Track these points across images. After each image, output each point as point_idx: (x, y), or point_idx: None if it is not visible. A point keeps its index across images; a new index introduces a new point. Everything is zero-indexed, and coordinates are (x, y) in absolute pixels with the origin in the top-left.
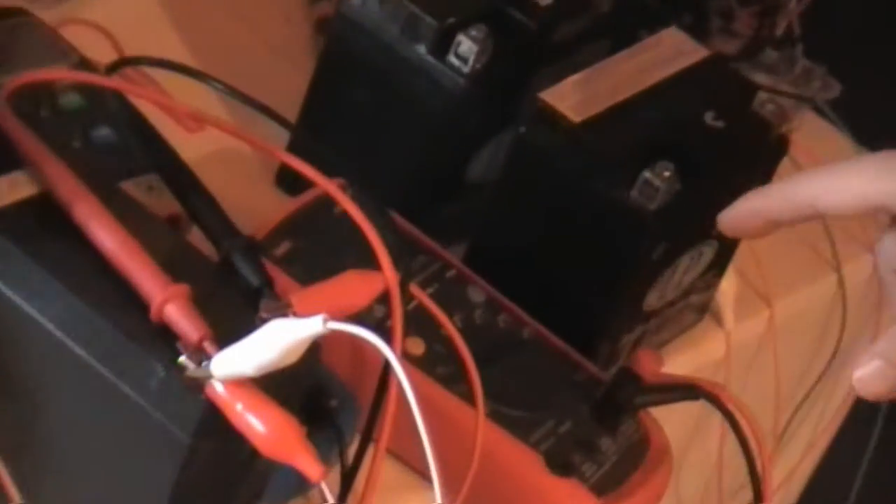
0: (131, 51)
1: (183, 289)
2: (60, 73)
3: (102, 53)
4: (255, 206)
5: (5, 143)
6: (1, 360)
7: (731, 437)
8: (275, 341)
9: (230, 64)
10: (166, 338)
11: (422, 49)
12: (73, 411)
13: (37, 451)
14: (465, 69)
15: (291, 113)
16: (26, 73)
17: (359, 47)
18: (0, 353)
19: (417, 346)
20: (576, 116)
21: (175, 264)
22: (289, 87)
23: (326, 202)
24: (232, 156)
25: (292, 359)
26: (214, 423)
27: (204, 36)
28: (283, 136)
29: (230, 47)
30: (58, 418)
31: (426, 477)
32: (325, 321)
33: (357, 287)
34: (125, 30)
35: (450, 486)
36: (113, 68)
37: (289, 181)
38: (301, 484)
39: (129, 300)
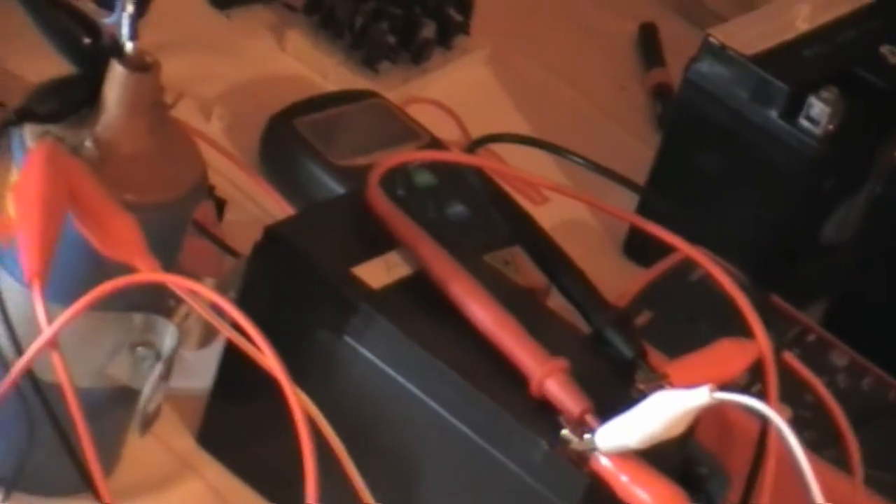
0: (470, 123)
1: (562, 363)
2: (426, 154)
3: (443, 128)
4: (605, 275)
5: (380, 225)
6: (384, 435)
7: None
8: (660, 413)
9: (568, 132)
10: (546, 412)
11: (772, 113)
12: (451, 482)
13: None
14: (818, 131)
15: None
16: (394, 155)
17: (707, 112)
18: (383, 428)
19: (784, 412)
20: None
21: (547, 337)
22: (628, 154)
23: (682, 269)
24: (577, 226)
25: (677, 431)
26: (599, 495)
27: (540, 106)
28: (629, 204)
29: (567, 116)
30: (435, 488)
31: None
32: (711, 392)
33: (732, 356)
34: (464, 104)
35: None
36: (473, 147)
37: (638, 249)
38: None
39: (505, 374)
